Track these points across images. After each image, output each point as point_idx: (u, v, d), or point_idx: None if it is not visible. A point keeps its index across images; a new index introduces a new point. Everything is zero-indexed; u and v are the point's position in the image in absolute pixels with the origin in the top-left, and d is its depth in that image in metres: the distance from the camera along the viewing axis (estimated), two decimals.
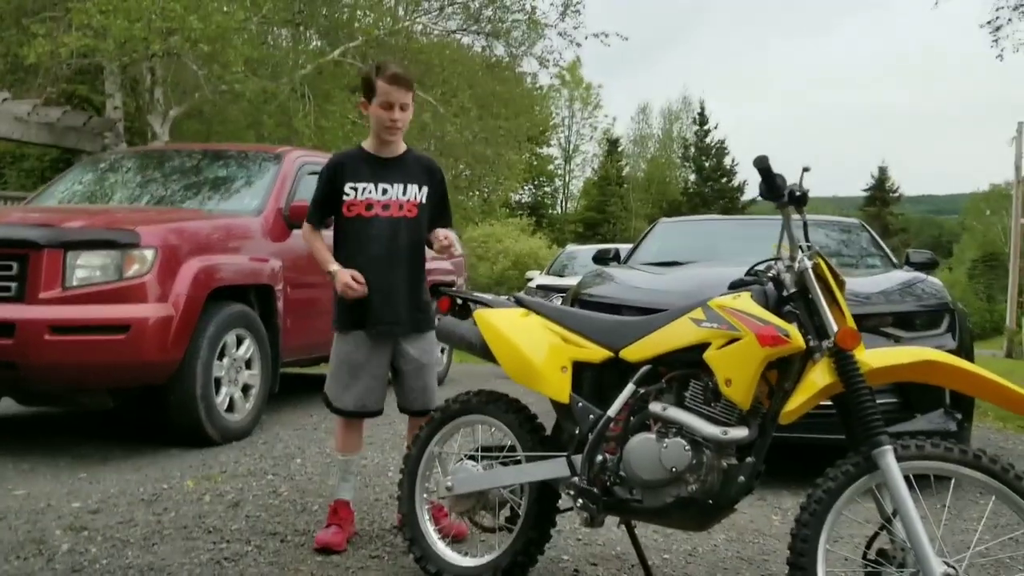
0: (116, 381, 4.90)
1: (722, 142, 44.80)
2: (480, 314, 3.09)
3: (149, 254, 4.79)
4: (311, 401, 6.85)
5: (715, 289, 4.81)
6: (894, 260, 6.23)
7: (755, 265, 2.85)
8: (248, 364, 5.49)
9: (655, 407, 2.70)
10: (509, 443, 3.08)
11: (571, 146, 46.41)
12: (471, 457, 3.14)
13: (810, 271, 2.58)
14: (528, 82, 19.61)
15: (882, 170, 50.53)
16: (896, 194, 50.93)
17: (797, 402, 2.51)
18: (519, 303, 3.13)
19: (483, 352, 3.09)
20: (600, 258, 6.62)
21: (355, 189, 3.36)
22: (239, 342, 5.40)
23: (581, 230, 41.81)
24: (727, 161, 44.53)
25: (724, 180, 44.17)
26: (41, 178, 15.97)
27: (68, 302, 4.62)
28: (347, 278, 3.29)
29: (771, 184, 2.60)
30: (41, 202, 6.47)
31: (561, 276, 11.32)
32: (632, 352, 2.79)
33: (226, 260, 5.33)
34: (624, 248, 7.43)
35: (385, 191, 3.38)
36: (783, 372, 2.60)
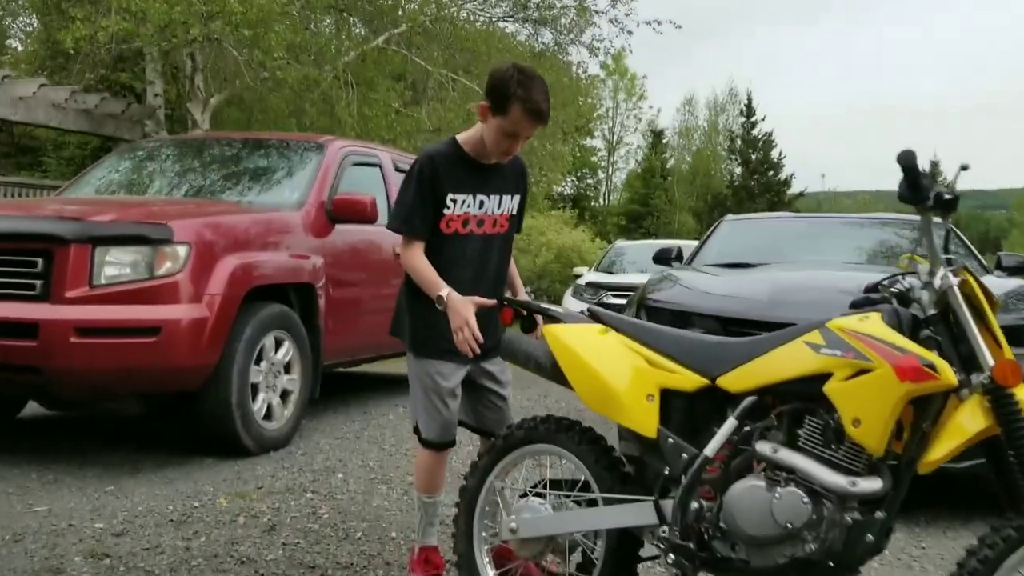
0: (146, 387, 4.58)
1: (769, 134, 43.75)
2: (551, 330, 2.68)
3: (182, 251, 4.45)
4: (353, 405, 6.51)
5: (795, 294, 4.38)
6: (985, 264, 5.72)
7: (881, 281, 2.42)
8: (287, 368, 5.15)
9: (763, 448, 2.28)
10: (582, 479, 2.68)
11: (615, 137, 45.75)
12: (538, 493, 2.75)
13: (956, 289, 2.15)
14: (575, 71, 19.08)
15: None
16: None
17: (943, 450, 2.08)
18: (595, 317, 2.71)
19: (553, 374, 2.69)
20: (661, 258, 6.18)
21: (455, 201, 2.85)
22: (278, 345, 5.06)
23: (624, 223, 41.10)
24: (774, 154, 43.61)
25: (771, 173, 43.21)
26: (81, 167, 15.83)
27: (95, 302, 4.29)
28: (469, 314, 2.66)
29: (915, 184, 2.17)
30: (74, 192, 6.17)
31: (611, 272, 10.89)
32: (733, 380, 2.37)
33: (264, 257, 4.98)
34: (687, 246, 6.98)
35: (482, 204, 2.90)
36: (920, 411, 2.17)
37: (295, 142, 6.39)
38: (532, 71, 2.80)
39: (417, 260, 2.81)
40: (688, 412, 2.47)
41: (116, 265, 4.37)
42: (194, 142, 6.77)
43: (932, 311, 2.19)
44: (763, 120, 45.19)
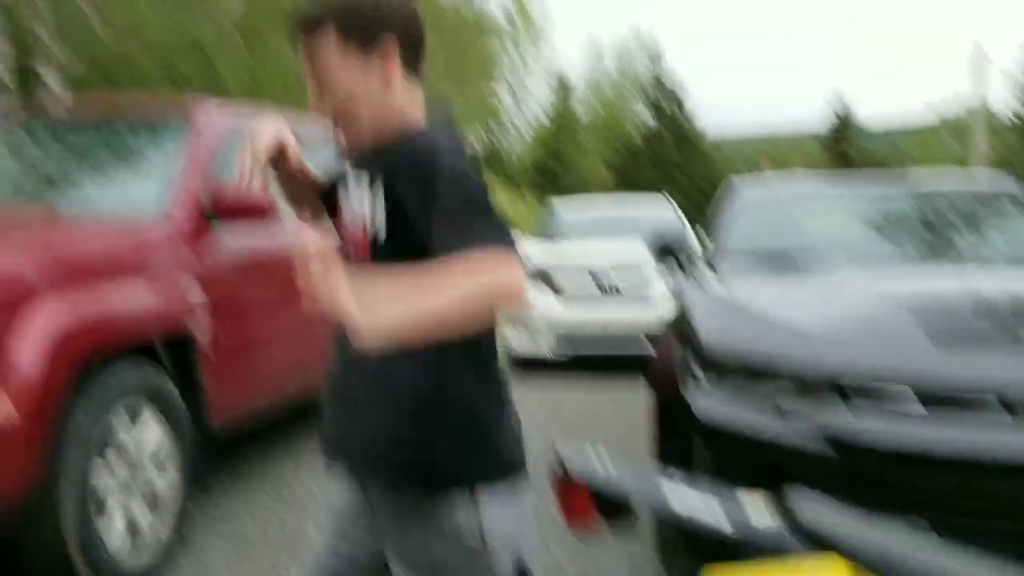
0: None
1: (680, 83, 42.87)
2: None
3: None
4: (256, 461, 4.81)
5: (965, 336, 2.69)
6: None
7: None
8: (156, 456, 3.45)
9: None
10: None
11: (520, 86, 44.05)
12: None
13: None
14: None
15: (845, 105, 49.00)
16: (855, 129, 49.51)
17: None
18: (810, 537, 1.12)
19: None
20: (667, 253, 4.57)
21: None
22: (133, 418, 3.34)
23: (538, 180, 39.70)
24: (684, 101, 42.61)
25: (683, 123, 42.26)
26: None
27: None
28: None
29: None
30: None
31: (552, 240, 9.08)
32: None
33: (110, 299, 3.23)
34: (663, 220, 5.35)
35: None
36: None
37: (152, 110, 4.55)
38: None
39: None
40: None
41: None
42: (11, 116, 4.88)
43: None
44: (671, 64, 44.36)
